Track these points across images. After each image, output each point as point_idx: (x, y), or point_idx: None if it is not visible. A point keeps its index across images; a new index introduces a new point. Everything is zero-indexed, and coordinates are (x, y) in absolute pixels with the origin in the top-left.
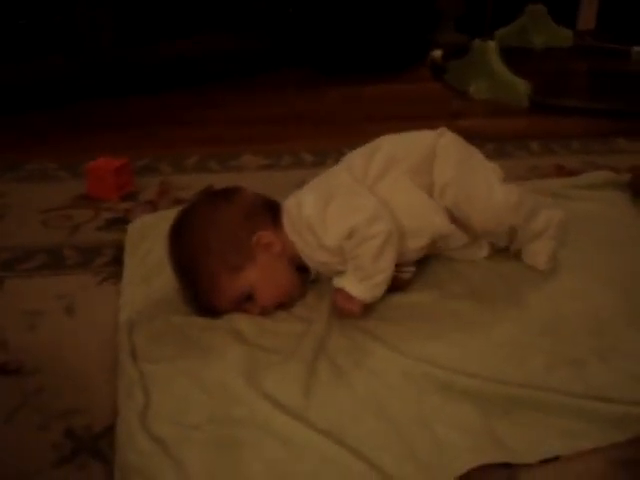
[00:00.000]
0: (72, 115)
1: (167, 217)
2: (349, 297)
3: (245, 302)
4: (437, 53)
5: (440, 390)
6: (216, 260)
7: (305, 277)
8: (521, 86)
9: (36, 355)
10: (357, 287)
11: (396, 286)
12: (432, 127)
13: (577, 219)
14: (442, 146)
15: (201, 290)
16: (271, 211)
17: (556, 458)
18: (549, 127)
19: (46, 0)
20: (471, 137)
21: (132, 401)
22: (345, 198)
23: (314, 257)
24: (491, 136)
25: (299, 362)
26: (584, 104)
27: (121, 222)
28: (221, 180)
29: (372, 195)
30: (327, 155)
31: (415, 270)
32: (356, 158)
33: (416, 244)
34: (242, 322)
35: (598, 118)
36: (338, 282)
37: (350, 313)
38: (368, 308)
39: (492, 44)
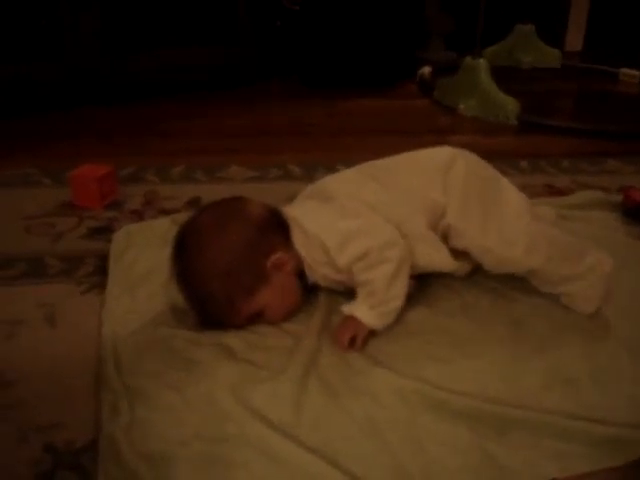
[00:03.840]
0: (56, 122)
1: (153, 226)
2: (357, 325)
3: (255, 318)
4: (426, 69)
5: (433, 409)
6: (232, 284)
7: (305, 285)
8: (510, 105)
9: (15, 366)
10: (368, 314)
11: None
12: (421, 143)
13: None
14: (456, 177)
15: (214, 310)
16: (280, 225)
17: None
18: (538, 146)
19: (32, 5)
20: None
21: (117, 416)
22: (361, 220)
23: (319, 270)
24: (480, 154)
25: (289, 379)
26: (572, 124)
27: (105, 231)
28: (208, 191)
29: (384, 220)
30: (315, 168)
31: (416, 284)
32: (365, 182)
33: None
34: (230, 336)
35: (586, 138)
36: (349, 309)
37: (352, 345)
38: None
39: (482, 62)
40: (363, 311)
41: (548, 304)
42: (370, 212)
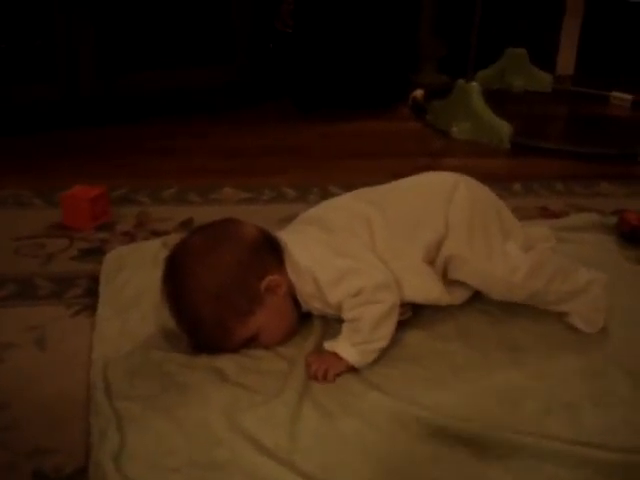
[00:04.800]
0: (49, 142)
1: (144, 248)
2: (336, 360)
3: (249, 342)
4: (418, 92)
5: (432, 435)
6: (224, 307)
7: (299, 311)
8: (503, 128)
9: (4, 389)
10: (350, 351)
11: None
12: (414, 165)
13: None
14: (460, 205)
15: (206, 334)
16: (273, 247)
17: None
18: (531, 169)
19: (26, 25)
20: None
21: (106, 442)
22: (357, 259)
23: (309, 301)
24: (473, 176)
25: (284, 403)
26: (565, 146)
27: (96, 252)
28: (201, 213)
29: (381, 263)
30: (309, 190)
31: (411, 313)
32: (362, 212)
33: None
34: (223, 360)
35: (579, 161)
36: (330, 346)
37: (328, 377)
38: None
39: (475, 86)
40: (346, 347)
41: (545, 326)
42: (365, 250)
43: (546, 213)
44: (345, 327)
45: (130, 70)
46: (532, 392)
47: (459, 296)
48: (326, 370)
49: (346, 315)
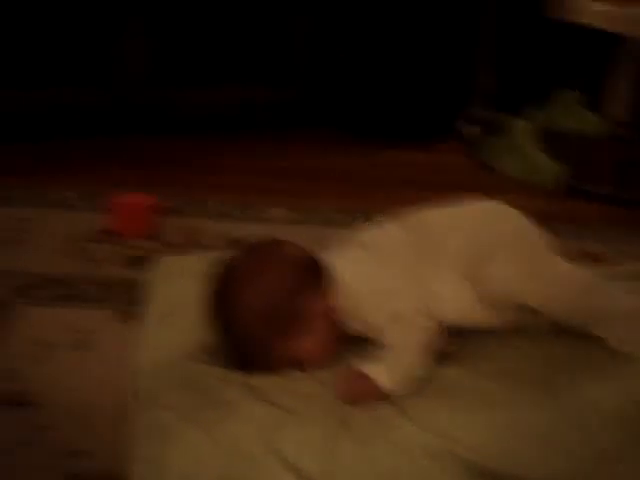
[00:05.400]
0: (97, 148)
1: (191, 260)
2: (367, 385)
3: (289, 363)
4: (474, 129)
5: (463, 470)
6: (272, 328)
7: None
8: (551, 168)
9: (45, 389)
10: (384, 376)
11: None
12: (460, 199)
13: None
14: (503, 229)
15: (248, 352)
16: (319, 271)
17: None
18: (576, 211)
19: (83, 31)
20: None
21: (144, 450)
22: (401, 285)
23: (350, 324)
24: None
25: (319, 427)
26: (612, 192)
27: (142, 261)
28: (248, 230)
29: (422, 287)
30: (355, 216)
31: (455, 347)
32: (404, 243)
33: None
34: (259, 378)
35: (624, 208)
36: (364, 367)
37: (359, 400)
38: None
39: (526, 125)
40: (380, 372)
41: (585, 378)
42: (407, 272)
43: (589, 257)
44: (383, 351)
45: (183, 83)
46: (564, 443)
47: (497, 315)
48: (357, 395)
49: (387, 340)
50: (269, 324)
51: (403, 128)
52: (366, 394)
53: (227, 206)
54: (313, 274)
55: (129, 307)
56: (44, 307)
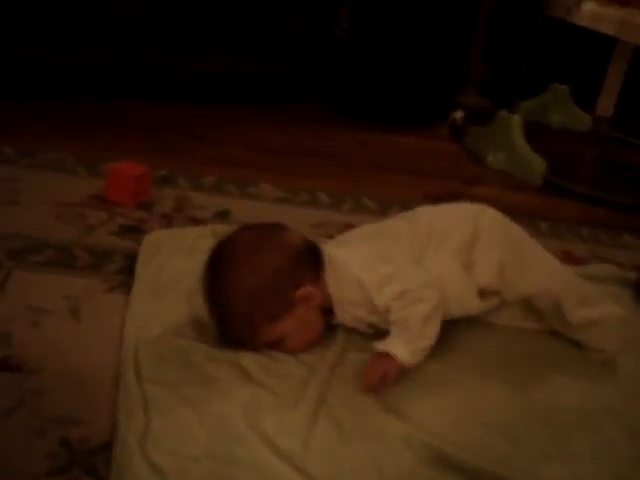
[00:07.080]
0: (94, 110)
1: (183, 234)
2: (389, 363)
3: (273, 345)
4: (459, 114)
5: (436, 461)
6: (257, 307)
7: (327, 320)
8: (538, 164)
9: (37, 355)
10: (403, 349)
11: None
12: (445, 188)
13: None
14: (486, 226)
15: (235, 329)
16: (314, 259)
17: None
18: (558, 210)
19: None
20: None
21: (133, 422)
22: (401, 265)
23: (350, 310)
24: (501, 209)
25: (300, 410)
26: (595, 193)
27: (135, 230)
28: (238, 205)
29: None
30: (342, 199)
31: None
32: (400, 231)
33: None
34: (247, 357)
35: (606, 209)
36: (383, 346)
37: (386, 379)
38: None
39: (517, 118)
40: (397, 346)
41: (553, 380)
42: (408, 256)
43: (570, 259)
44: (394, 328)
45: (185, 48)
46: (536, 435)
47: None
48: (384, 374)
49: (394, 316)
50: (256, 304)
51: (395, 111)
52: (389, 370)
53: (219, 179)
54: (308, 263)
55: (121, 277)
56: (37, 272)
